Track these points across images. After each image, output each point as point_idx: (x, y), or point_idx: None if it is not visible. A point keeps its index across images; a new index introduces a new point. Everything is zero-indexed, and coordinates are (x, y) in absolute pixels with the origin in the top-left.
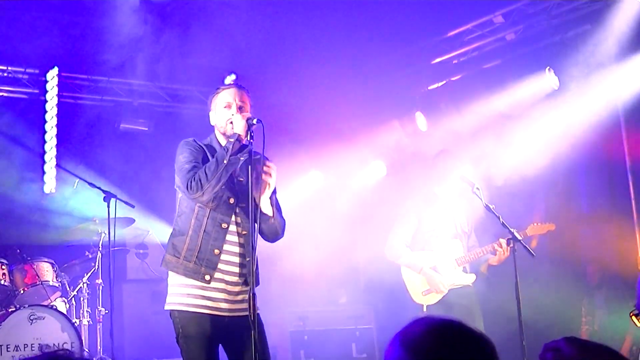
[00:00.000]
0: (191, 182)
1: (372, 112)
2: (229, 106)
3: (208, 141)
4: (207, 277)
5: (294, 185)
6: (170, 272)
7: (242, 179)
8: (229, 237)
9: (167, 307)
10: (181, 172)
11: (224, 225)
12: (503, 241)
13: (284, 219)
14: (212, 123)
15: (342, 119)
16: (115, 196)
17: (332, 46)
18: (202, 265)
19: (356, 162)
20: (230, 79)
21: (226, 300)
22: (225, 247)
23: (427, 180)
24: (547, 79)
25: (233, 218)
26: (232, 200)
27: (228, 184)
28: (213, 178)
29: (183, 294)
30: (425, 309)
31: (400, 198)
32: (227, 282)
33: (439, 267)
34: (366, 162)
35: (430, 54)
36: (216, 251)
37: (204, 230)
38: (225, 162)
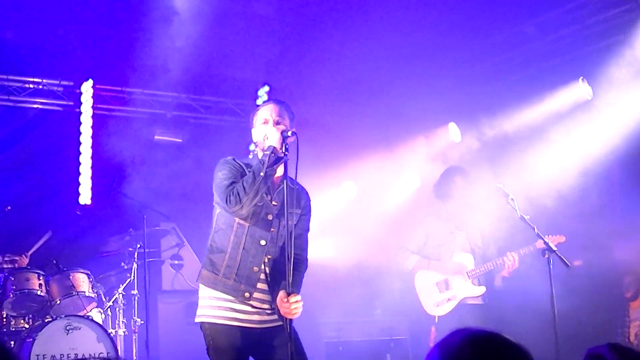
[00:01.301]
0: (230, 196)
1: (406, 123)
2: (266, 122)
3: (249, 160)
4: (247, 295)
5: (327, 196)
6: (201, 285)
7: (276, 203)
8: (266, 253)
9: (197, 320)
10: (220, 187)
11: (263, 242)
12: (510, 254)
13: (307, 261)
14: (254, 140)
15: (377, 130)
16: (150, 207)
17: (365, 57)
18: (242, 283)
19: (390, 173)
20: (263, 90)
21: (258, 313)
22: (263, 264)
23: (438, 197)
24: (580, 89)
25: (270, 235)
26: (269, 217)
27: (265, 200)
28: (251, 191)
29: (214, 306)
30: (437, 320)
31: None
32: (262, 298)
33: (450, 279)
34: (400, 173)
35: (463, 65)
36: (255, 268)
37: (243, 248)
38: (261, 174)
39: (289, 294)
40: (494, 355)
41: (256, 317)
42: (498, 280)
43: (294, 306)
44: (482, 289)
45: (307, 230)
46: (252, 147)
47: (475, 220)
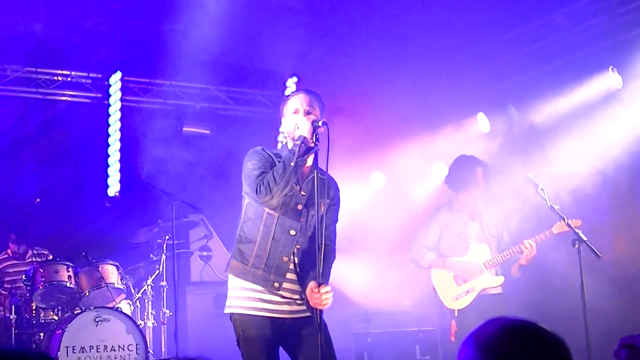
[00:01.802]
0: (260, 186)
1: (435, 113)
2: (296, 112)
3: (279, 150)
4: (277, 285)
5: (356, 186)
6: (230, 276)
7: (304, 193)
8: (296, 243)
9: (227, 311)
10: (249, 178)
11: (292, 232)
12: (527, 241)
13: (335, 252)
14: (284, 130)
15: (406, 121)
16: (179, 199)
17: (394, 48)
18: (271, 273)
19: (419, 163)
20: (292, 81)
21: (287, 303)
22: (293, 255)
23: (450, 187)
24: (610, 79)
25: (299, 225)
26: (299, 207)
27: (294, 190)
28: (281, 181)
29: (243, 297)
30: (456, 314)
31: None
32: (291, 288)
33: (467, 271)
34: (429, 164)
35: (492, 55)
36: (285, 258)
37: (273, 237)
38: (292, 164)
39: (319, 285)
40: (530, 344)
41: (286, 307)
42: (515, 269)
43: (324, 297)
44: (500, 279)
45: (336, 220)
46: (281, 137)
47: (488, 210)
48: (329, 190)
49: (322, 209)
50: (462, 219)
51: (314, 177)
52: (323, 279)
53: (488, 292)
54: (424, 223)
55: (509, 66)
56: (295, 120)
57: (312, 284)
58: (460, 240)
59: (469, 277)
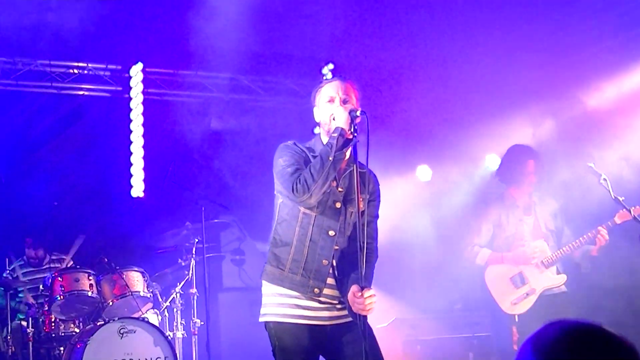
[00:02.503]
0: (296, 184)
1: (483, 101)
2: (332, 100)
3: (311, 144)
4: (317, 290)
5: (400, 181)
6: (264, 282)
7: (342, 189)
8: (335, 244)
9: (261, 319)
10: (283, 175)
11: (331, 233)
12: (602, 229)
13: (377, 250)
14: (317, 120)
15: (452, 110)
16: (208, 199)
17: (437, 32)
18: (310, 278)
19: (470, 155)
20: (327, 69)
21: (327, 309)
22: (332, 258)
23: (502, 180)
24: None
25: (338, 224)
26: (338, 205)
27: (332, 187)
28: (320, 177)
29: (279, 304)
30: (517, 319)
31: None
32: (330, 294)
33: (525, 271)
34: (481, 155)
35: (541, 38)
36: (325, 261)
37: (310, 239)
38: (330, 159)
39: (362, 288)
40: (594, 349)
41: (326, 314)
42: (585, 262)
43: (368, 301)
44: (562, 277)
45: (377, 217)
46: (317, 129)
47: (544, 203)
48: (369, 185)
49: (362, 206)
50: (516, 215)
51: (352, 171)
52: (366, 282)
53: (551, 292)
54: (475, 221)
55: (560, 48)
56: (330, 110)
57: (354, 288)
58: (516, 238)
59: (529, 271)
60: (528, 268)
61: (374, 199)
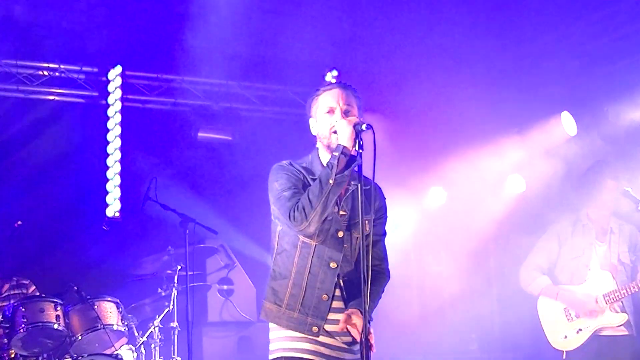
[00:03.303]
0: (294, 212)
1: (508, 114)
2: (331, 111)
3: (307, 162)
4: (315, 329)
5: (410, 205)
6: (270, 324)
7: (344, 212)
8: (339, 277)
9: (271, 357)
10: (279, 201)
11: (333, 265)
12: None
13: (389, 272)
14: (314, 133)
15: (471, 123)
16: (194, 220)
17: (453, 37)
18: (309, 315)
19: (488, 176)
20: (331, 76)
21: (332, 348)
22: (335, 290)
23: (578, 199)
24: None
25: (341, 255)
26: (340, 234)
27: (333, 213)
28: (319, 203)
29: (282, 348)
30: (564, 356)
31: (543, 220)
32: (336, 331)
33: (581, 305)
34: (501, 176)
35: (578, 41)
36: (324, 296)
37: (309, 272)
38: (330, 182)
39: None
40: None
41: (333, 354)
42: None
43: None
44: (622, 317)
45: (384, 234)
46: (317, 142)
47: (625, 232)
48: (375, 202)
49: (367, 228)
50: (587, 238)
51: (355, 190)
52: (369, 306)
53: (605, 334)
54: (539, 241)
55: (600, 53)
56: (330, 121)
57: (349, 311)
58: (580, 264)
59: (584, 314)
60: (586, 302)
61: (381, 216)
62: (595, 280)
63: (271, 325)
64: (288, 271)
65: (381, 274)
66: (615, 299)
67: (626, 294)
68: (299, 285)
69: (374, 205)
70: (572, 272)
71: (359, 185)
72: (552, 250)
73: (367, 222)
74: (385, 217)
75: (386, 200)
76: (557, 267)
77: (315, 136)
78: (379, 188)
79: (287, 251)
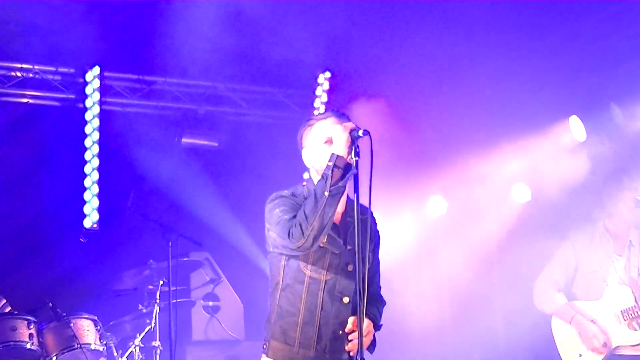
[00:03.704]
0: (291, 229)
1: (511, 119)
2: (329, 141)
3: (304, 192)
4: None
5: (408, 215)
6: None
7: (351, 245)
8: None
9: None
10: (279, 224)
11: (346, 300)
12: None
13: (384, 302)
14: (308, 165)
15: (473, 129)
16: (177, 232)
17: (455, 37)
18: (326, 352)
19: (490, 184)
20: (323, 77)
21: None
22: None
23: (593, 210)
24: None
25: (353, 289)
26: (350, 267)
27: (339, 246)
28: (314, 217)
29: None
30: None
31: (551, 232)
32: None
33: (599, 320)
34: (504, 184)
35: (586, 40)
36: (341, 332)
37: (322, 308)
38: (326, 194)
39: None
40: None
41: None
42: None
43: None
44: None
45: (379, 263)
46: (306, 175)
47: None
48: (372, 234)
49: (369, 261)
50: (605, 250)
51: (351, 219)
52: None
53: (624, 352)
54: (555, 255)
55: (611, 53)
56: (328, 152)
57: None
58: (597, 278)
59: (603, 322)
60: (603, 318)
61: (376, 243)
62: (613, 296)
63: None
64: (296, 308)
65: (379, 301)
66: (634, 316)
67: None
68: (312, 323)
69: (372, 236)
70: (588, 287)
71: (355, 206)
72: (569, 264)
73: (369, 253)
74: (379, 242)
75: (376, 222)
76: (574, 282)
77: (305, 167)
78: (372, 214)
79: (292, 287)
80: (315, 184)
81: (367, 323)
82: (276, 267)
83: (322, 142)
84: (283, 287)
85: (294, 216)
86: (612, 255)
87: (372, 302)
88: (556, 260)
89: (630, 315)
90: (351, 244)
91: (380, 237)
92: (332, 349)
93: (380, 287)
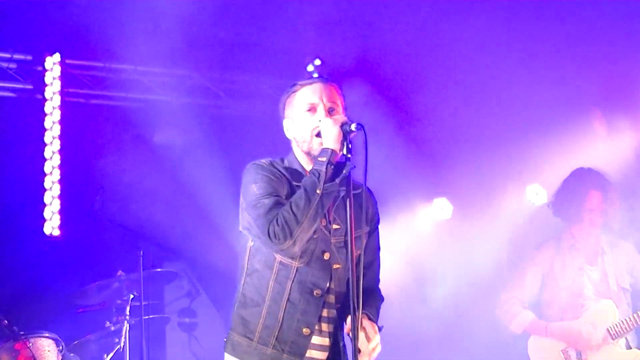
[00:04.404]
0: (273, 227)
1: (524, 112)
2: (313, 109)
3: (287, 163)
4: None
5: (410, 219)
6: (227, 356)
7: (338, 226)
8: (323, 308)
9: None
10: (256, 210)
11: (317, 292)
12: None
13: (381, 295)
14: (289, 136)
15: (480, 124)
16: (149, 239)
17: (461, 23)
18: (284, 352)
19: (502, 185)
20: (314, 65)
21: None
22: (319, 324)
23: (558, 217)
24: None
25: (327, 280)
26: (327, 256)
27: (319, 229)
28: (305, 218)
29: None
30: None
31: None
32: None
33: (582, 342)
34: (517, 185)
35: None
36: (305, 330)
37: (288, 299)
38: (318, 192)
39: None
40: None
41: None
42: None
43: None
44: (634, 354)
45: (379, 248)
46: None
47: (618, 249)
48: (367, 210)
49: (362, 243)
50: (575, 262)
51: (344, 198)
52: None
53: None
54: (520, 267)
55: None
56: (311, 122)
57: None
58: (572, 294)
59: (585, 350)
60: (587, 338)
61: (374, 228)
62: (593, 313)
63: None
64: (261, 297)
65: (376, 298)
66: (621, 333)
67: (634, 326)
68: (275, 315)
69: (368, 215)
70: (562, 306)
71: (350, 195)
72: (534, 281)
73: (361, 235)
74: (378, 227)
75: (377, 206)
76: (542, 302)
77: (290, 140)
78: (371, 192)
79: (260, 272)
80: (300, 160)
81: (374, 334)
82: (243, 248)
83: (304, 110)
84: (250, 272)
85: (275, 204)
86: (584, 266)
87: (368, 298)
88: (519, 277)
89: (618, 332)
90: (337, 222)
91: (380, 220)
92: (291, 349)
93: (379, 280)
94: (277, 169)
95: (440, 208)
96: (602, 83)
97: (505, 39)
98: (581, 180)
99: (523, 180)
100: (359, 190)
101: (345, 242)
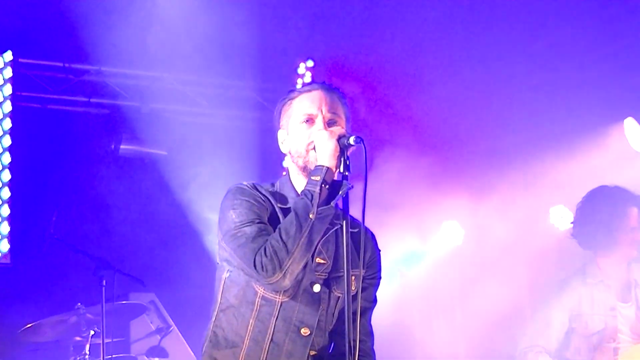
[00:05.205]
0: (261, 257)
1: (547, 124)
2: (310, 120)
3: (276, 187)
4: None
5: (415, 243)
6: None
7: (324, 261)
8: (311, 348)
9: None
10: (236, 240)
11: (305, 331)
12: None
13: (374, 353)
14: (284, 150)
15: (495, 137)
16: (114, 268)
17: (466, 23)
18: None
19: (521, 206)
20: (305, 67)
21: None
22: None
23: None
24: None
25: (317, 317)
26: (316, 288)
27: (310, 259)
28: (296, 247)
29: None
30: None
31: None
32: None
33: None
34: (539, 206)
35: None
36: None
37: (272, 340)
38: (311, 216)
39: None
40: None
41: None
42: None
43: None
44: None
45: (375, 302)
46: (286, 162)
47: None
48: (365, 253)
49: (354, 286)
50: (606, 299)
51: (339, 230)
52: None
53: None
54: (541, 310)
55: None
56: (308, 134)
57: None
58: (603, 338)
59: None
60: None
61: (374, 274)
62: (629, 357)
63: None
64: (239, 337)
65: (367, 355)
66: None
67: None
68: (256, 358)
69: (365, 256)
70: (593, 354)
71: (343, 223)
72: (559, 325)
73: (354, 276)
74: (379, 278)
75: (380, 253)
76: (570, 349)
77: (285, 154)
78: (372, 234)
79: (236, 308)
80: (292, 180)
81: None
82: (220, 280)
83: (300, 121)
84: (222, 308)
85: (259, 232)
86: (616, 305)
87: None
88: (542, 321)
89: None
90: (323, 257)
91: (382, 270)
92: None
93: (372, 334)
94: (259, 192)
95: (449, 232)
96: (632, 91)
97: (522, 45)
98: (610, 200)
99: (545, 201)
100: (357, 230)
101: (328, 280)
